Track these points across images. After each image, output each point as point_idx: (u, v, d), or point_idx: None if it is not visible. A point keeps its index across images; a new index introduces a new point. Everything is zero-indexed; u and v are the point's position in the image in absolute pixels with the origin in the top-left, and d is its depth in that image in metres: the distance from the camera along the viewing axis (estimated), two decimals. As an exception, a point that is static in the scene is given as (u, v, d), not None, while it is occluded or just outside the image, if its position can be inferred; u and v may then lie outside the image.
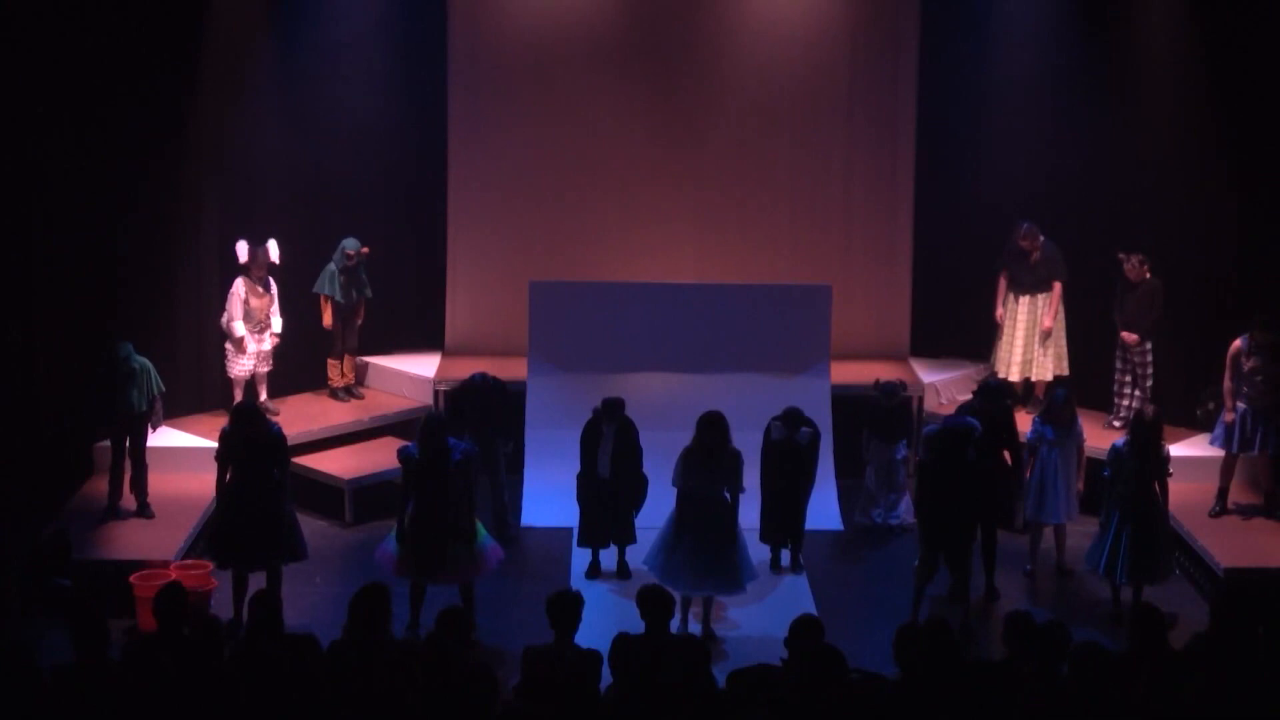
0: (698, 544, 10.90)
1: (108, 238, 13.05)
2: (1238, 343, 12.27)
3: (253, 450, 10.86)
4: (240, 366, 13.52)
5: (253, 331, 13.44)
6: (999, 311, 14.02)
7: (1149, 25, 13.84)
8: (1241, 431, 12.23)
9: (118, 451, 12.13)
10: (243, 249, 13.34)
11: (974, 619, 11.14)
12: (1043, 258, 13.77)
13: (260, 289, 13.42)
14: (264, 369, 13.67)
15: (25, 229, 12.47)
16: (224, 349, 13.54)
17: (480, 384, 12.66)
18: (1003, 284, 13.98)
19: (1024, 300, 13.87)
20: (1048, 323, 13.84)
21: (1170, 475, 11.30)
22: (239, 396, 13.45)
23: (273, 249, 13.45)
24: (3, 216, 12.29)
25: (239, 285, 13.37)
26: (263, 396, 13.65)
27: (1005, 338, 13.97)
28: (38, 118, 12.42)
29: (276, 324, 13.52)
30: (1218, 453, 12.65)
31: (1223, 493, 12.43)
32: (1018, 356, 13.91)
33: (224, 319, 13.44)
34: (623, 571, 11.89)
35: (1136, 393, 13.47)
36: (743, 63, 14.64)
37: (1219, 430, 12.47)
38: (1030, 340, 13.87)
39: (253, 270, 13.37)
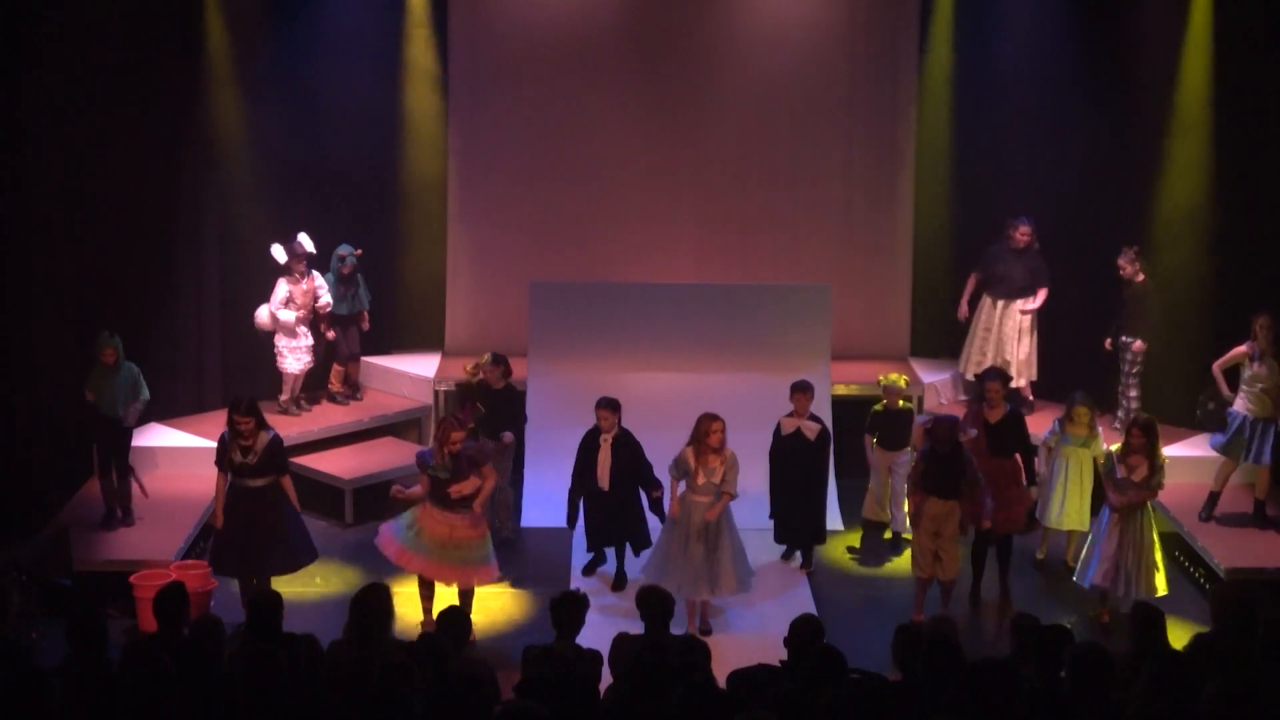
0: (691, 547, 10.91)
1: (108, 237, 13.02)
2: (1243, 347, 12.21)
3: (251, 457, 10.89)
4: (296, 361, 13.51)
5: (301, 326, 13.45)
6: (963, 310, 14.03)
7: (1149, 25, 13.83)
8: (1242, 437, 12.15)
9: (103, 456, 12.03)
10: (278, 251, 13.35)
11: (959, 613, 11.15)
12: (1029, 263, 13.75)
13: (303, 284, 13.40)
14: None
15: (25, 228, 12.46)
16: (275, 348, 13.48)
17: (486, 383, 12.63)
18: (971, 284, 13.98)
19: (1003, 304, 13.83)
20: (1031, 305, 13.72)
21: (1160, 486, 11.25)
22: (287, 394, 13.53)
23: (305, 241, 13.46)
24: (2, 215, 12.28)
25: (280, 285, 13.37)
26: (284, 396, 13.66)
27: (970, 337, 14.00)
28: (36, 115, 12.40)
29: (325, 297, 13.51)
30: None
31: (1213, 497, 12.37)
32: (975, 357, 13.90)
33: (267, 319, 13.39)
34: (619, 581, 11.78)
35: (1134, 394, 13.46)
36: (743, 63, 14.63)
37: (1220, 438, 12.35)
38: (1001, 345, 13.85)
39: (293, 267, 13.37)
